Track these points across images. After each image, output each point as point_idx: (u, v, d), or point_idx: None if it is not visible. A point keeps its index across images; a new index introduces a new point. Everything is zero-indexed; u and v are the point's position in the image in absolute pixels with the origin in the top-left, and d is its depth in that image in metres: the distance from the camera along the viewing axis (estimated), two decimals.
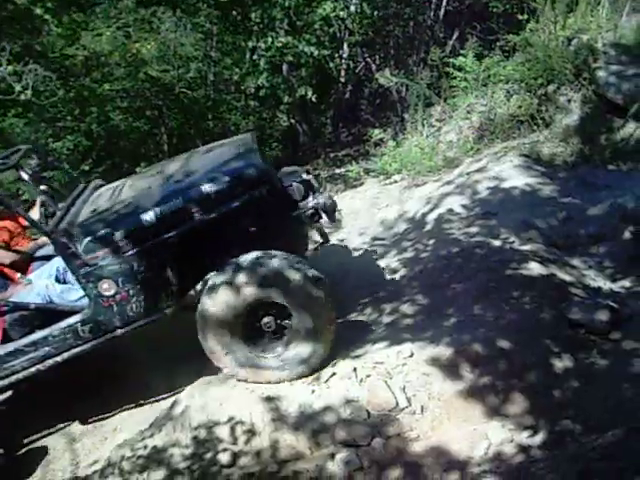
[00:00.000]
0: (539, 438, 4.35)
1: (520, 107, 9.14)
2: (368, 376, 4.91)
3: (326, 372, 5.06)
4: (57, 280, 5.67)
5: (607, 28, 9.52)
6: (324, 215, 5.47)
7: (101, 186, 6.11)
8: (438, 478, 4.25)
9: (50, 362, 5.27)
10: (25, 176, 5.73)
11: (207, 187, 5.11)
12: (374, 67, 13.58)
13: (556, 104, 9.01)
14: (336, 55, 12.85)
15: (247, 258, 4.97)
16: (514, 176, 7.51)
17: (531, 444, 4.32)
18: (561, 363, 4.89)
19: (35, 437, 5.97)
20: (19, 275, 5.80)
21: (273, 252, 5.03)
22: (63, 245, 5.07)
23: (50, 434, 5.97)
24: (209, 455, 4.69)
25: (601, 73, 8.66)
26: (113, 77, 12.70)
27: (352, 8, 12.00)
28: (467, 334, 5.02)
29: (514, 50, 10.36)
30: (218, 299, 4.89)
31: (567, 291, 5.55)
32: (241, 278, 4.85)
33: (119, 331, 5.28)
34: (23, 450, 5.85)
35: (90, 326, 5.21)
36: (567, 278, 5.77)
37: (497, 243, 6.18)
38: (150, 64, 13.05)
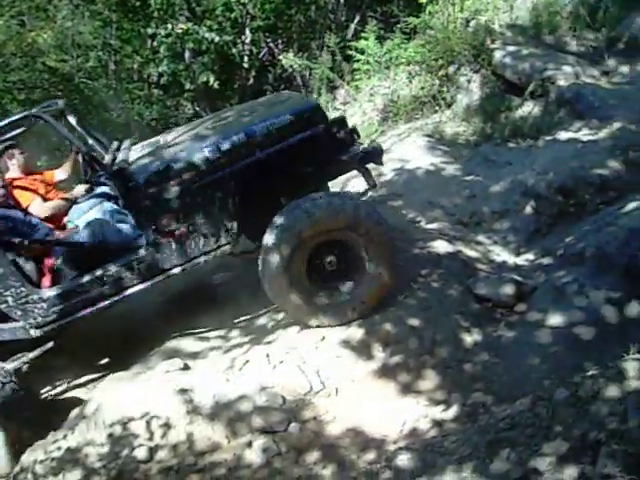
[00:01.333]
0: (452, 412, 4.44)
1: (422, 88, 9.29)
2: (281, 362, 4.90)
3: (239, 360, 5.03)
4: None
5: (504, 9, 9.74)
6: (373, 159, 5.49)
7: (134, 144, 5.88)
8: (355, 458, 4.28)
9: (104, 303, 5.09)
10: (73, 121, 5.20)
11: (268, 123, 5.09)
12: (277, 52, 13.50)
13: (457, 85, 9.17)
14: (238, 41, 12.70)
15: (318, 197, 4.98)
16: (418, 157, 7.63)
17: (445, 418, 4.40)
18: (470, 337, 5.01)
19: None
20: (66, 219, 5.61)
21: (345, 192, 5.34)
22: (123, 179, 4.94)
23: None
24: (125, 452, 4.57)
25: (498, 54, 8.87)
26: (9, 68, 12.21)
27: None
28: (377, 314, 5.07)
29: (415, 32, 10.48)
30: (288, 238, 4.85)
31: (473, 267, 5.69)
32: (312, 217, 4.82)
33: (176, 269, 5.13)
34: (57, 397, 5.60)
35: (147, 264, 5.05)
36: (473, 254, 5.92)
37: (403, 223, 6.25)
38: (47, 54, 12.61)
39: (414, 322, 4.99)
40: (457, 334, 4.99)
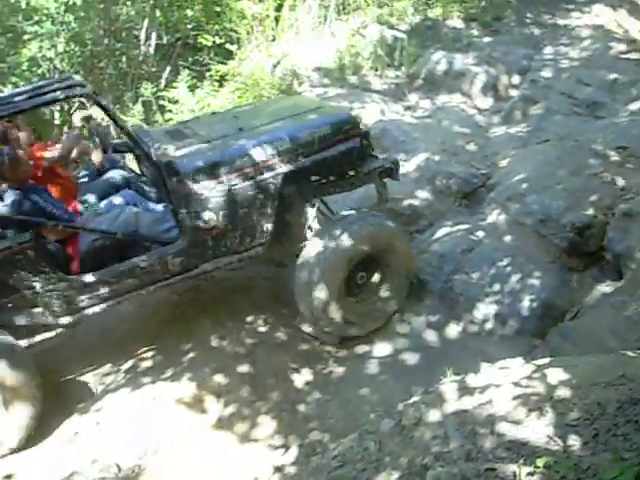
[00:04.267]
0: (291, 455, 4.41)
1: None
2: (113, 428, 4.70)
3: (68, 432, 4.77)
4: None
5: (309, 54, 10.03)
6: (392, 174, 5.59)
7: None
8: None
9: (132, 295, 4.93)
10: (103, 102, 4.83)
11: (311, 130, 5.15)
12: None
13: None
14: None
15: (354, 215, 5.25)
16: None
17: (285, 462, 4.36)
18: (301, 377, 5.04)
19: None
20: (83, 199, 5.28)
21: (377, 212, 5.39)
22: (170, 171, 4.81)
23: None
24: None
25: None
26: None
27: (60, 47, 11.58)
28: (206, 367, 4.99)
29: (225, 80, 10.56)
30: (329, 253, 5.00)
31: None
32: (351, 234, 5.03)
33: (209, 266, 5.06)
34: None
35: (182, 259, 4.93)
36: None
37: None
38: None
39: (244, 369, 4.96)
40: (288, 376, 5.01)
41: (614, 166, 5.88)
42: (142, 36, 12.52)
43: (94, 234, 4.88)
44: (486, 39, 9.43)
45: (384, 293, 5.36)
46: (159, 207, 5.27)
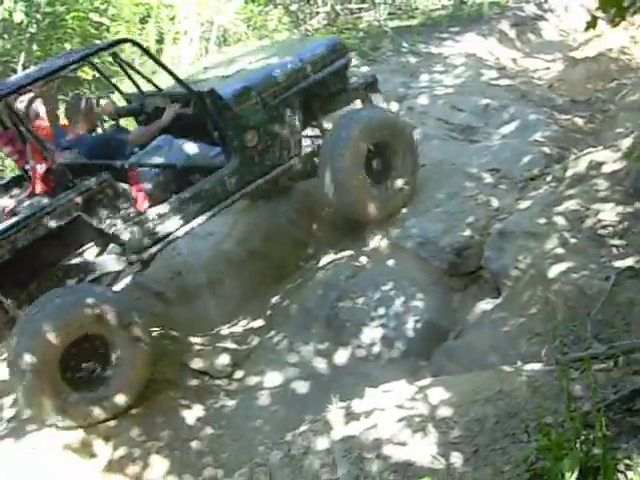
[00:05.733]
0: None
1: None
2: None
3: None
4: None
5: None
6: (374, 87, 6.45)
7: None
8: None
9: (202, 218, 5.38)
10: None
11: (312, 52, 6.05)
12: None
13: None
14: None
15: (372, 111, 6.22)
16: None
17: None
18: (192, 414, 4.98)
19: None
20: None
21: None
22: (213, 99, 5.32)
23: None
24: None
25: None
26: None
27: None
28: None
29: None
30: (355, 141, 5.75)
31: (187, 342, 5.67)
32: (373, 119, 5.96)
33: (260, 181, 5.64)
34: None
35: (236, 178, 5.47)
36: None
37: None
38: None
39: (132, 410, 4.85)
40: (178, 413, 4.94)
41: (488, 188, 6.11)
42: (19, 70, 12.21)
43: (158, 168, 5.41)
44: (364, 68, 9.65)
45: (397, 178, 6.07)
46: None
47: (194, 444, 4.77)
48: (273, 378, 5.23)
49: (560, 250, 4.71)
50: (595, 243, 4.66)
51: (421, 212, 5.97)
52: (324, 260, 6.08)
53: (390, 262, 5.73)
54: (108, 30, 10.91)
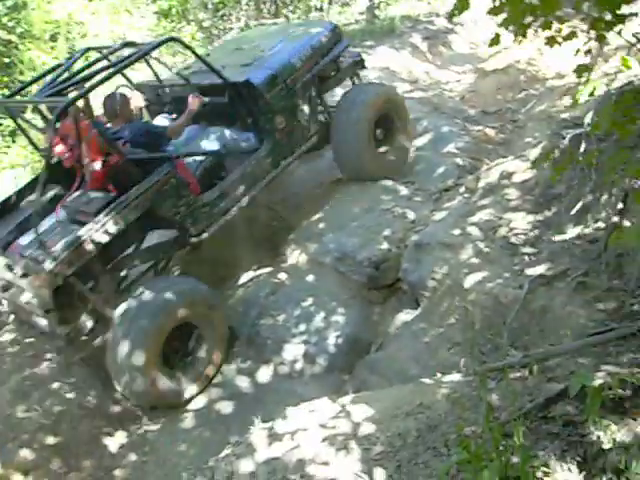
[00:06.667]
0: None
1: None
2: None
3: None
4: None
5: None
6: (363, 64, 7.15)
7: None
8: None
9: (247, 197, 5.87)
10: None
11: (321, 38, 6.62)
12: None
13: None
14: None
15: (375, 87, 7.09)
16: None
17: None
18: (115, 441, 4.88)
19: None
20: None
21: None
22: (248, 89, 5.84)
23: None
24: None
25: None
26: None
27: None
28: (9, 442, 4.68)
29: (16, 134, 10.11)
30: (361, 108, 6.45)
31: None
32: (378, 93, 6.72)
33: (289, 159, 6.26)
34: None
35: (271, 158, 6.06)
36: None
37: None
38: None
39: (51, 441, 4.71)
40: (100, 441, 4.83)
41: (404, 200, 6.20)
42: None
43: (205, 156, 5.87)
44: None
45: (399, 143, 6.80)
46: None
47: (118, 472, 4.69)
48: (196, 400, 5.17)
49: (475, 260, 4.80)
50: (508, 252, 4.76)
51: (338, 227, 6.02)
52: (244, 277, 6.05)
53: (309, 278, 5.75)
54: (17, 48, 10.63)
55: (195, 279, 5.44)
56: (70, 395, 5.14)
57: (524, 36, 2.87)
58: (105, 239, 4.93)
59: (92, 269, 5.06)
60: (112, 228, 4.95)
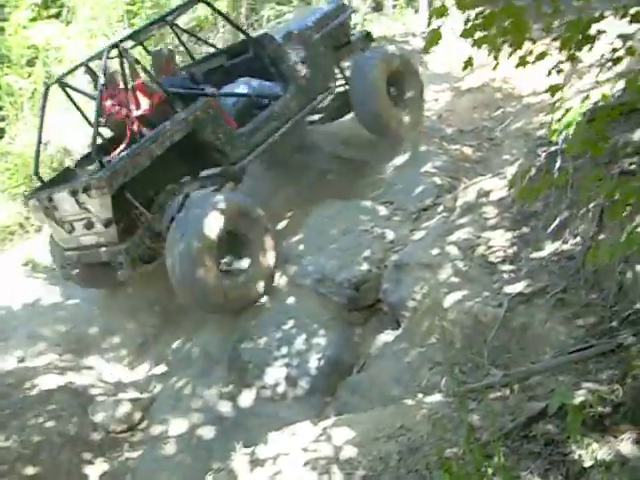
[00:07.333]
0: None
1: (9, 217, 8.86)
2: None
3: None
4: None
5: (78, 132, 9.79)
6: (371, 39, 8.28)
7: None
8: None
9: (278, 134, 6.74)
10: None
11: (328, 8, 7.92)
12: None
13: None
14: None
15: (385, 49, 8.01)
16: (14, 289, 7.17)
17: None
18: (96, 469, 4.85)
19: None
20: None
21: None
22: (270, 42, 6.95)
23: None
24: None
25: None
26: None
27: None
28: None
29: None
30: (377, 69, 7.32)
31: (88, 394, 5.49)
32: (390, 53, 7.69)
33: (314, 102, 7.22)
34: None
35: (297, 100, 7.00)
36: (86, 381, 5.71)
37: (7, 365, 5.85)
38: None
39: (30, 471, 4.66)
40: (80, 470, 4.78)
41: (382, 220, 6.20)
42: None
43: (236, 97, 6.79)
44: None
45: (408, 100, 7.73)
46: None
47: None
48: (177, 425, 5.13)
49: (454, 279, 4.80)
50: (487, 270, 4.77)
51: (317, 249, 5.99)
52: None
53: (290, 300, 5.72)
54: None
55: (242, 194, 6.28)
56: (50, 423, 5.09)
57: (496, 59, 2.90)
58: (156, 153, 5.72)
59: (149, 190, 5.96)
60: (159, 147, 5.75)
